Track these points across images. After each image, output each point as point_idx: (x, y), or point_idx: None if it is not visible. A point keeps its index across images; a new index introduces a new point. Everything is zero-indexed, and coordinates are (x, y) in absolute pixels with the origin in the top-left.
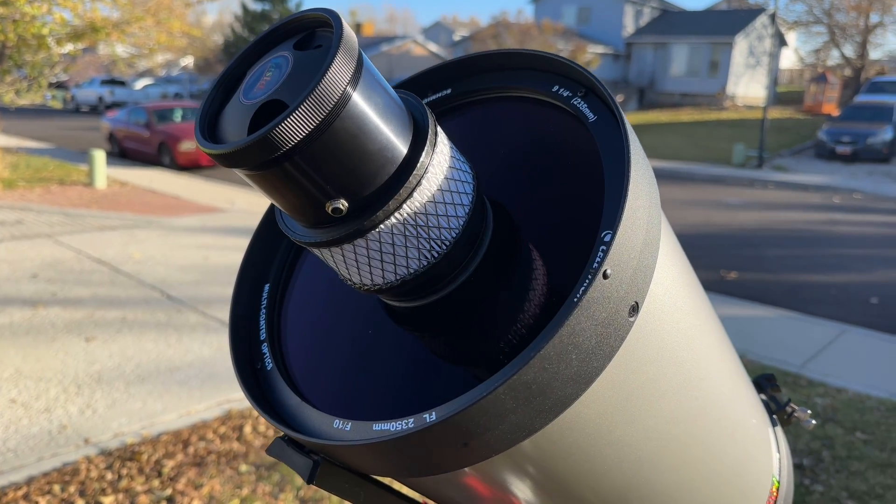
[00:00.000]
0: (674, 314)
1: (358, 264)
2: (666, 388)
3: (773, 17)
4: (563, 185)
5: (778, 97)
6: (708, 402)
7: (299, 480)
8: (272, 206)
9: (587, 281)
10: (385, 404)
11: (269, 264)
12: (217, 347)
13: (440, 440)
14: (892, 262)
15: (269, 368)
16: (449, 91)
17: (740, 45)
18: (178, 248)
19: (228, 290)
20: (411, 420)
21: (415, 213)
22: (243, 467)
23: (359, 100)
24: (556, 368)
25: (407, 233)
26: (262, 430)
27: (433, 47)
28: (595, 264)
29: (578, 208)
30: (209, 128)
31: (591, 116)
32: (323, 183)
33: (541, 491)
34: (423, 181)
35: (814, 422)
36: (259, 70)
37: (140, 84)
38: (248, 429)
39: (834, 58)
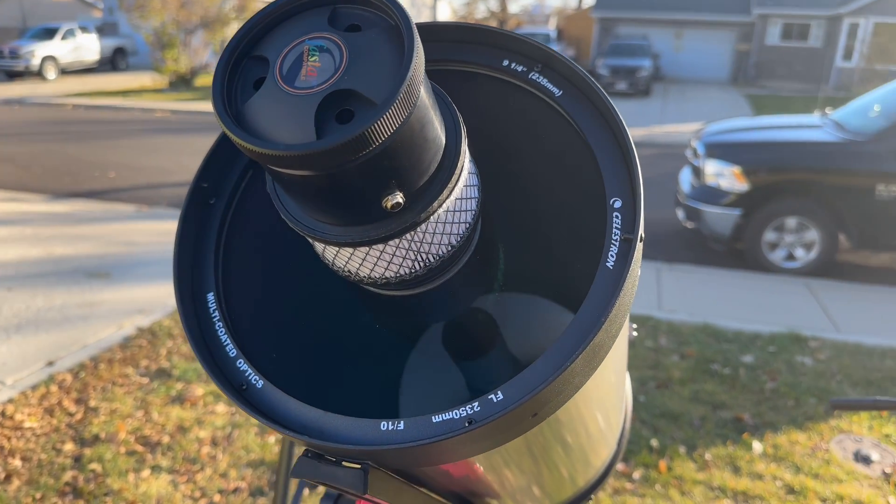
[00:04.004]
0: None
1: (391, 258)
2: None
3: None
4: (525, 158)
5: None
6: (623, 336)
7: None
8: (193, 206)
9: (626, 245)
10: (417, 395)
11: (202, 269)
12: None
13: (517, 417)
14: None
15: (259, 386)
16: None
17: None
18: None
19: None
20: (476, 404)
21: (454, 199)
22: None
23: (422, 90)
24: (611, 327)
25: (446, 220)
26: None
27: None
28: (617, 230)
29: (550, 178)
30: (237, 119)
31: (556, 91)
32: (389, 178)
33: (534, 445)
34: (465, 165)
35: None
36: (293, 52)
37: None
38: None
39: (482, 11)
